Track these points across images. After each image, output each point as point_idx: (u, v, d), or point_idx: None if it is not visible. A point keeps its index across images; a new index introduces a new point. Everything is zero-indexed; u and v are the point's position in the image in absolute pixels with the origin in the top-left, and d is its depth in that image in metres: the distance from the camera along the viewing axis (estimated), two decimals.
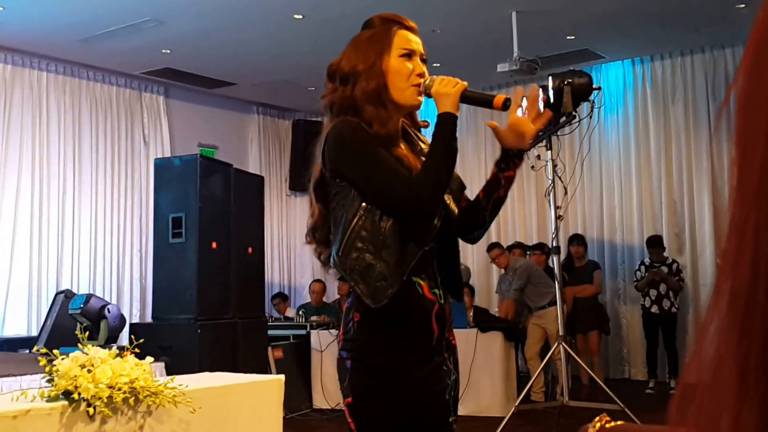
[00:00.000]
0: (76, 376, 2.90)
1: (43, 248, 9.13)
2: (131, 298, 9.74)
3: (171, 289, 6.90)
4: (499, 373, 7.78)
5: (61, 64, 9.56)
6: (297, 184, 11.95)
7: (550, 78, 5.75)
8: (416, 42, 2.41)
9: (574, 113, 5.70)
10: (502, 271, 9.09)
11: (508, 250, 9.38)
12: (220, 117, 11.38)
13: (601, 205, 10.28)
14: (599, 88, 5.68)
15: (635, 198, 10.06)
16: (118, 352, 3.11)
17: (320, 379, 8.27)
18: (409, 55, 2.39)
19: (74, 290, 7.94)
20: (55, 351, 3.02)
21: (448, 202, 2.40)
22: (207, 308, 6.87)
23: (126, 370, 3.02)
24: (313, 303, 10.18)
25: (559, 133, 6.15)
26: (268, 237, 8.34)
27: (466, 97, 2.38)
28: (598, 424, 1.00)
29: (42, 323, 7.57)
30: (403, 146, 2.38)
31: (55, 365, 2.95)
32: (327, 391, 8.15)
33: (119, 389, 2.96)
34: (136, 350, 3.17)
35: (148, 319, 8.32)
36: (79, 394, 2.88)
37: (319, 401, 8.29)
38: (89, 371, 2.94)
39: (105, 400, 2.89)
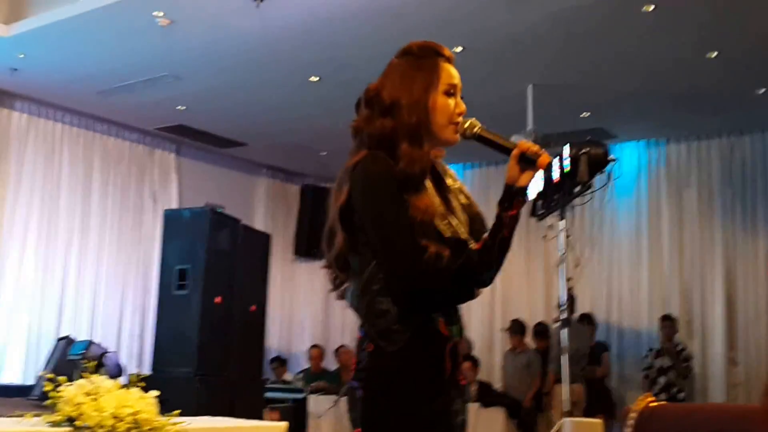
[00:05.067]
0: (80, 403, 2.82)
1: (46, 297, 9.07)
2: (129, 351, 9.61)
3: (172, 341, 6.82)
4: None
5: (76, 116, 9.61)
6: (302, 250, 11.88)
7: (566, 146, 5.75)
8: (458, 77, 2.37)
9: (589, 183, 5.68)
10: (507, 347, 8.98)
11: (513, 332, 9.31)
12: (229, 177, 11.39)
13: (609, 287, 10.13)
14: (615, 160, 5.66)
15: (645, 282, 9.91)
16: (123, 383, 3.02)
17: None
18: (452, 92, 2.34)
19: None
20: (61, 378, 2.93)
21: (470, 245, 2.32)
22: (207, 363, 6.77)
23: (130, 402, 2.93)
24: (311, 369, 10.05)
25: (572, 203, 6.12)
26: (270, 300, 8.26)
27: (490, 142, 2.33)
28: (642, 404, 0.95)
29: (39, 371, 7.46)
30: (429, 184, 2.31)
31: (59, 391, 2.87)
32: None
33: (122, 420, 2.87)
34: (141, 384, 3.09)
35: (145, 371, 8.17)
36: (83, 422, 2.79)
37: None
38: (94, 399, 2.86)
39: (108, 429, 2.80)
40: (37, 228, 9.11)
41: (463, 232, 2.26)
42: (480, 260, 2.23)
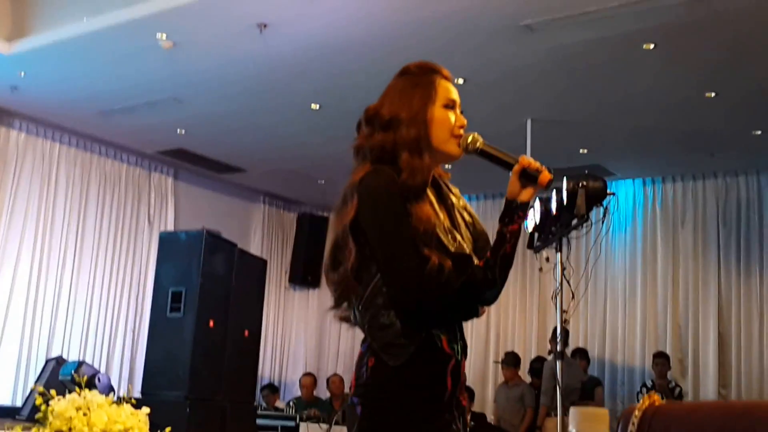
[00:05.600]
0: (71, 417, 2.80)
1: (37, 317, 9.02)
2: (120, 373, 9.55)
3: (163, 365, 6.75)
4: None
5: (75, 136, 9.62)
6: (297, 278, 11.87)
7: (564, 179, 5.76)
8: (456, 93, 2.40)
9: (586, 216, 5.69)
10: (500, 379, 8.95)
11: (507, 364, 9.29)
12: (226, 203, 11.39)
13: (603, 323, 10.14)
14: (613, 194, 5.68)
15: (639, 319, 9.93)
16: (115, 399, 3.00)
17: None
18: (451, 106, 2.37)
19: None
20: (52, 391, 2.91)
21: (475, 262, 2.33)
22: (198, 387, 6.70)
23: (122, 418, 2.91)
24: (303, 397, 10.00)
25: (569, 236, 6.12)
26: (263, 327, 8.24)
27: (492, 156, 2.34)
28: (646, 403, 0.95)
29: (29, 392, 7.41)
30: (432, 197, 2.33)
31: (50, 405, 2.85)
32: None
33: None
34: (133, 401, 3.07)
35: (135, 395, 8.12)
36: None
37: None
38: (85, 414, 2.84)
39: None
40: (31, 247, 9.09)
41: (467, 248, 2.28)
42: (483, 277, 2.24)
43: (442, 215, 2.30)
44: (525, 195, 2.27)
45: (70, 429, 2.78)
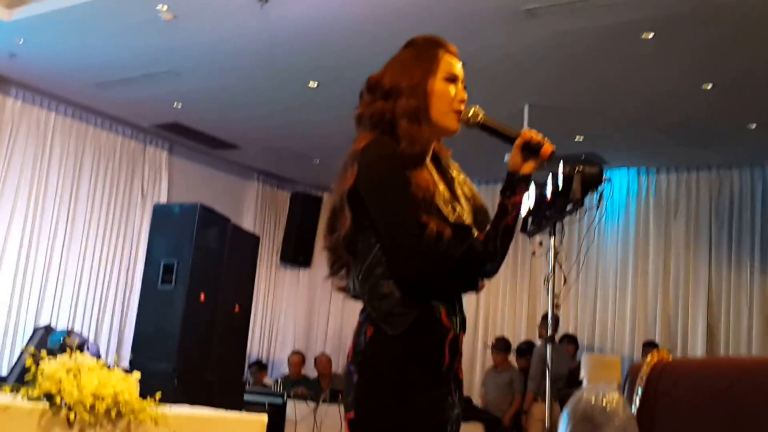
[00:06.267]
0: (61, 379, 2.80)
1: (26, 287, 9.00)
2: (108, 345, 9.55)
3: (152, 337, 6.75)
4: None
5: (71, 107, 9.58)
6: (288, 256, 11.87)
7: (560, 163, 5.74)
8: (460, 68, 2.40)
9: (581, 202, 5.68)
10: (488, 364, 8.97)
11: (497, 349, 9.30)
12: (220, 179, 11.36)
13: (594, 311, 10.18)
14: (609, 180, 5.67)
15: (629, 308, 9.96)
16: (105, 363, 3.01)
17: None
18: (453, 79, 2.38)
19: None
20: (42, 352, 2.92)
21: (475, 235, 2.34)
22: (187, 360, 6.71)
23: (112, 382, 2.92)
24: (291, 375, 10.02)
25: (562, 222, 6.11)
26: (253, 304, 8.23)
27: (493, 130, 2.35)
28: (655, 359, 0.95)
29: (16, 360, 7.41)
30: (433, 171, 2.33)
31: (40, 366, 2.85)
32: None
33: (103, 399, 2.85)
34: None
35: (123, 366, 8.12)
36: (62, 398, 2.77)
37: None
38: (75, 377, 2.84)
39: (87, 408, 2.78)
40: (23, 215, 9.05)
41: (467, 220, 2.28)
42: (484, 249, 2.25)
43: (441, 186, 2.31)
44: (527, 168, 2.28)
45: (59, 391, 2.78)
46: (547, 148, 2.27)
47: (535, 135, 2.28)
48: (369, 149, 2.26)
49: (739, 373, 1.10)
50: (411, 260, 2.17)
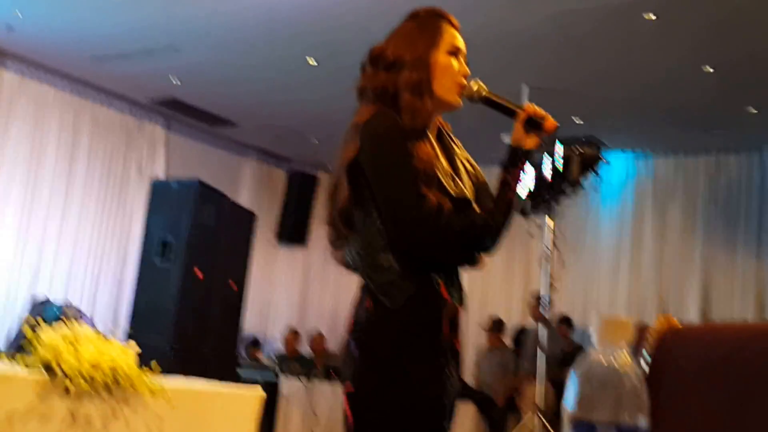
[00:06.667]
0: (58, 348, 2.80)
1: (22, 261, 8.97)
2: (103, 321, 9.52)
3: (148, 312, 6.77)
4: None
5: (69, 81, 9.53)
6: (284, 235, 11.85)
7: (559, 144, 5.76)
8: (462, 42, 2.40)
9: (580, 183, 5.69)
10: (482, 344, 8.98)
11: (492, 329, 9.32)
12: (217, 157, 11.32)
13: (587, 292, 10.19)
14: (608, 161, 5.68)
15: (622, 292, 9.98)
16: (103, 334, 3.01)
17: (284, 427, 8.08)
18: (455, 53, 2.37)
19: None
20: (40, 320, 2.91)
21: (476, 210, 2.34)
22: (182, 336, 6.73)
23: (110, 353, 2.91)
24: (286, 352, 10.04)
25: (560, 204, 6.13)
26: (249, 281, 8.23)
27: (496, 104, 2.35)
28: (664, 323, 0.95)
29: (14, 335, 7.41)
30: (436, 145, 2.33)
31: (38, 334, 2.84)
32: None
33: (100, 370, 2.85)
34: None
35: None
36: (60, 367, 2.77)
37: None
38: (73, 346, 2.84)
39: (86, 377, 2.77)
40: (20, 189, 9.02)
41: (468, 194, 2.29)
42: (484, 223, 2.25)
43: (443, 160, 2.31)
44: (530, 142, 2.29)
45: (57, 360, 2.77)
46: (551, 122, 2.28)
47: (538, 110, 2.29)
48: (371, 122, 2.25)
49: (747, 339, 1.10)
50: (412, 232, 2.17)
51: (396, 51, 2.33)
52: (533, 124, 2.27)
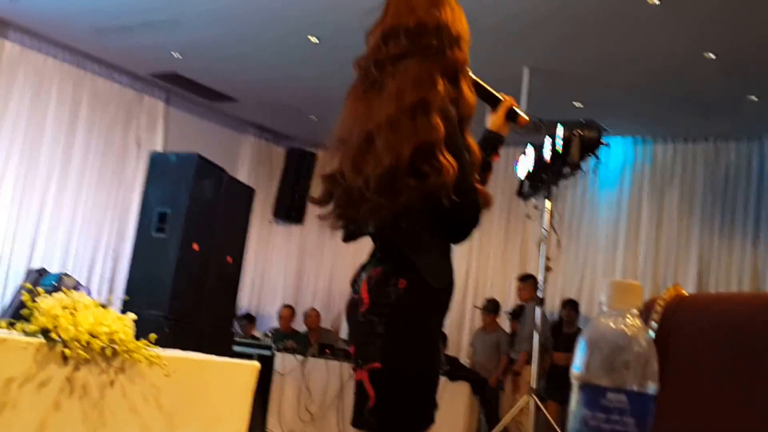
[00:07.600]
0: (57, 315, 2.81)
1: (19, 231, 8.97)
2: (100, 292, 9.56)
3: (145, 283, 6.78)
4: (461, 427, 7.65)
5: (69, 52, 9.52)
6: (282, 212, 11.85)
7: (560, 126, 5.76)
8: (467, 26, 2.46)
9: (579, 165, 5.70)
10: (477, 325, 9.00)
11: (487, 310, 9.33)
12: (216, 132, 11.31)
13: (582, 277, 10.20)
14: (608, 144, 5.69)
15: (618, 276, 9.96)
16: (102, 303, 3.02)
17: (278, 403, 8.12)
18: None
19: None
20: (39, 289, 2.92)
21: None
22: (178, 309, 6.75)
23: (108, 321, 2.93)
24: (281, 328, 10.07)
25: (558, 186, 6.14)
26: (245, 257, 8.24)
27: (483, 89, 2.43)
28: (671, 293, 0.97)
29: (8, 303, 7.43)
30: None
31: (36, 302, 2.85)
32: (283, 415, 8.00)
33: (98, 337, 2.86)
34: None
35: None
36: (58, 334, 2.78)
37: (274, 425, 8.13)
38: (71, 314, 2.85)
39: (83, 345, 2.79)
40: (18, 159, 9.02)
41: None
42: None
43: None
44: (506, 130, 2.43)
45: (55, 327, 2.78)
46: (524, 118, 2.43)
47: (515, 103, 2.44)
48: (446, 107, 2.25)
49: (757, 308, 1.11)
50: (477, 214, 2.23)
51: (458, 27, 2.31)
52: (511, 116, 2.37)
